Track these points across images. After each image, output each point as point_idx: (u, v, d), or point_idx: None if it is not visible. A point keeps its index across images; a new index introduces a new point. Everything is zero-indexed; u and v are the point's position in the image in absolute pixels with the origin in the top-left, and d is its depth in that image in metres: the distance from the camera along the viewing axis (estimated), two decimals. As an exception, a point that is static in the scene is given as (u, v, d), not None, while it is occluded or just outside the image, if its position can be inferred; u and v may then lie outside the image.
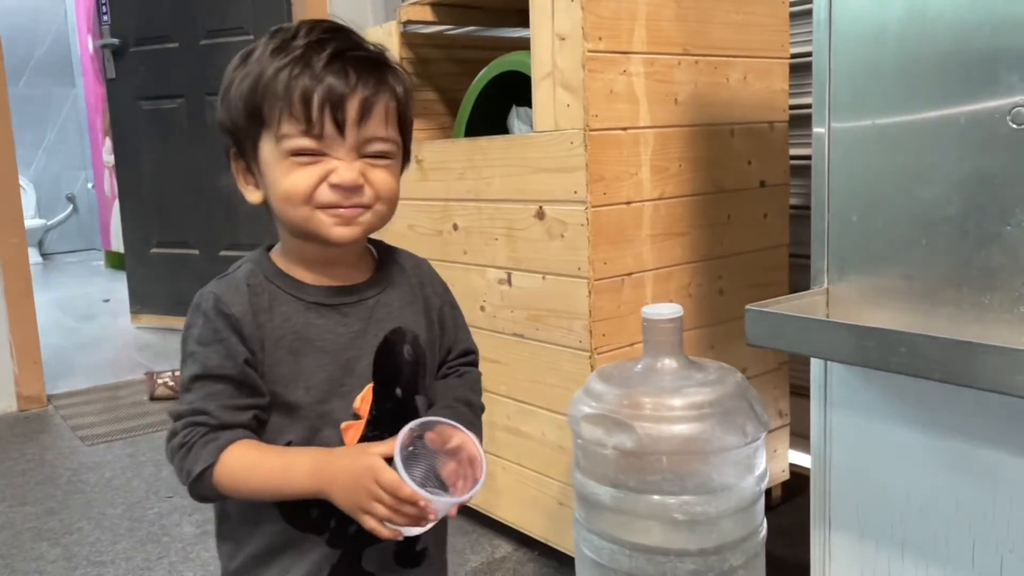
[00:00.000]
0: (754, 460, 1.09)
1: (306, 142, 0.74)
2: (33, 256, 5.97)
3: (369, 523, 0.72)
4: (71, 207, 6.21)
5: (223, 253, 3.30)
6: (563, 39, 1.26)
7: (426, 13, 1.65)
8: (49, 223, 6.10)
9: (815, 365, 1.05)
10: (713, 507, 1.05)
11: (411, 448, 0.76)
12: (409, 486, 0.70)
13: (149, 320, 3.59)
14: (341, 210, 0.76)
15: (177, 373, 2.13)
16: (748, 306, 0.95)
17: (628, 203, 1.31)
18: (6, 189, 2.51)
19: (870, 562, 0.99)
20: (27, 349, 2.54)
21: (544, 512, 1.44)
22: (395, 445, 0.71)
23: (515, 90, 1.59)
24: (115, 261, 5.23)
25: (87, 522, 1.75)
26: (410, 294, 0.86)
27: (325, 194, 0.75)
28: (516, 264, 1.41)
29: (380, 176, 0.77)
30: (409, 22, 1.66)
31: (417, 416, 0.84)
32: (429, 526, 0.74)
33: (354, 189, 0.75)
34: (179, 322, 0.83)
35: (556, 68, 1.28)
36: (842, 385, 1.02)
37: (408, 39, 1.71)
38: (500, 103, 1.62)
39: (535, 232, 1.36)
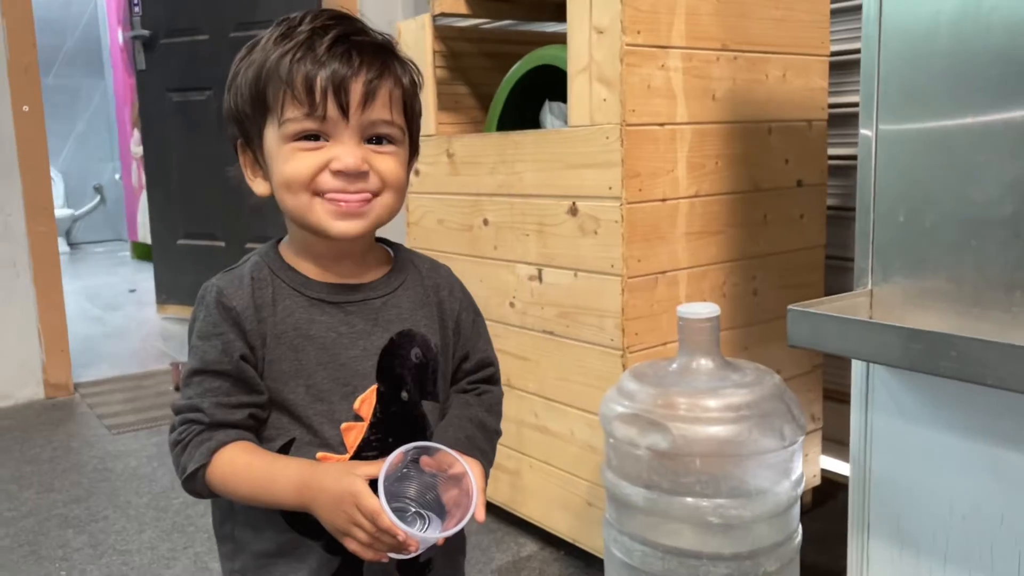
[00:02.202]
0: (791, 464, 1.07)
1: (309, 124, 0.73)
2: (60, 245, 6.02)
3: (351, 545, 0.71)
4: (98, 198, 6.27)
5: (249, 245, 3.31)
6: (601, 32, 1.24)
7: (460, 6, 1.64)
8: (77, 213, 6.16)
9: (856, 368, 1.02)
10: (748, 511, 1.02)
11: (404, 470, 0.73)
12: (389, 517, 0.67)
13: (174, 310, 3.61)
14: (341, 202, 0.74)
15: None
16: (790, 306, 0.93)
17: (663, 200, 1.29)
18: (38, 179, 2.53)
19: (910, 572, 0.96)
20: (55, 337, 2.56)
21: (571, 511, 1.42)
22: (381, 470, 0.69)
23: (548, 85, 1.58)
24: (141, 252, 5.27)
25: (113, 510, 1.76)
26: (423, 296, 0.84)
27: (327, 181, 0.74)
28: (547, 260, 1.39)
29: (385, 162, 0.75)
30: (443, 15, 1.64)
31: (424, 422, 0.82)
32: (417, 552, 0.71)
33: (357, 175, 0.74)
34: (204, 313, 0.82)
35: (593, 62, 1.26)
36: (884, 389, 1.00)
37: (441, 32, 1.69)
38: (532, 98, 1.60)
39: (567, 228, 1.35)
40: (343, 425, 0.78)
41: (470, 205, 1.55)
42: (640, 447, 1.06)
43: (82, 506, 1.78)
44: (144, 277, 4.36)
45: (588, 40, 1.26)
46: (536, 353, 1.44)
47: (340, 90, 0.72)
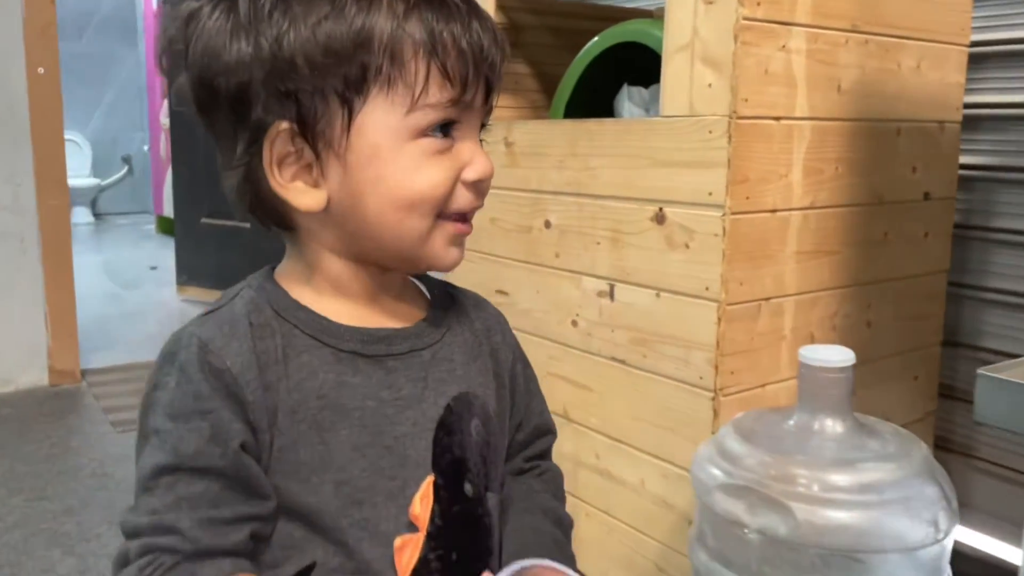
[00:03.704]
0: (941, 562, 0.84)
1: (452, 114, 0.52)
2: (86, 216, 5.90)
3: None
4: (126, 168, 6.13)
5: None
6: (710, 2, 1.01)
7: (527, -29, 1.42)
8: (103, 183, 6.02)
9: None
10: (888, 622, 0.80)
11: None
12: None
13: (194, 293, 3.43)
14: (464, 226, 0.56)
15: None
16: (981, 370, 0.70)
17: (774, 211, 1.05)
18: (51, 147, 2.34)
19: None
20: (63, 320, 2.38)
21: (636, 574, 1.20)
22: None
23: (623, 68, 1.35)
24: (166, 226, 5.11)
25: (107, 527, 1.56)
26: (475, 345, 0.63)
27: (461, 197, 0.54)
28: (622, 275, 1.17)
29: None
30: (506, -20, 1.42)
31: (489, 525, 0.59)
32: None
33: (486, 185, 0.55)
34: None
35: (697, 38, 1.03)
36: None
37: (502, 2, 1.46)
38: (604, 82, 1.37)
39: (650, 238, 1.12)
40: (398, 541, 0.54)
41: (530, 203, 1.33)
42: (749, 529, 0.83)
43: (74, 520, 1.59)
44: (167, 254, 4.19)
45: (693, 11, 1.03)
46: (601, 383, 1.22)
47: (491, 67, 0.53)
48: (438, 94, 0.51)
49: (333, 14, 0.50)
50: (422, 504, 0.55)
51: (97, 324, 2.94)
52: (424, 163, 0.53)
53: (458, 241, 0.57)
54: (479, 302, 0.66)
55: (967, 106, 1.36)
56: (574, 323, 1.26)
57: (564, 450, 1.29)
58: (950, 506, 0.83)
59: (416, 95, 0.51)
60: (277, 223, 0.57)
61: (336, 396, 0.54)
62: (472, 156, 0.54)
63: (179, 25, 0.53)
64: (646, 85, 1.34)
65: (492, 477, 0.60)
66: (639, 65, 1.30)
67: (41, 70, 2.27)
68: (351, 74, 0.50)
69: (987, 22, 1.38)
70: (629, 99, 1.34)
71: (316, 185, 0.54)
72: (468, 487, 0.58)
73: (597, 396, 1.23)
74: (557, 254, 1.28)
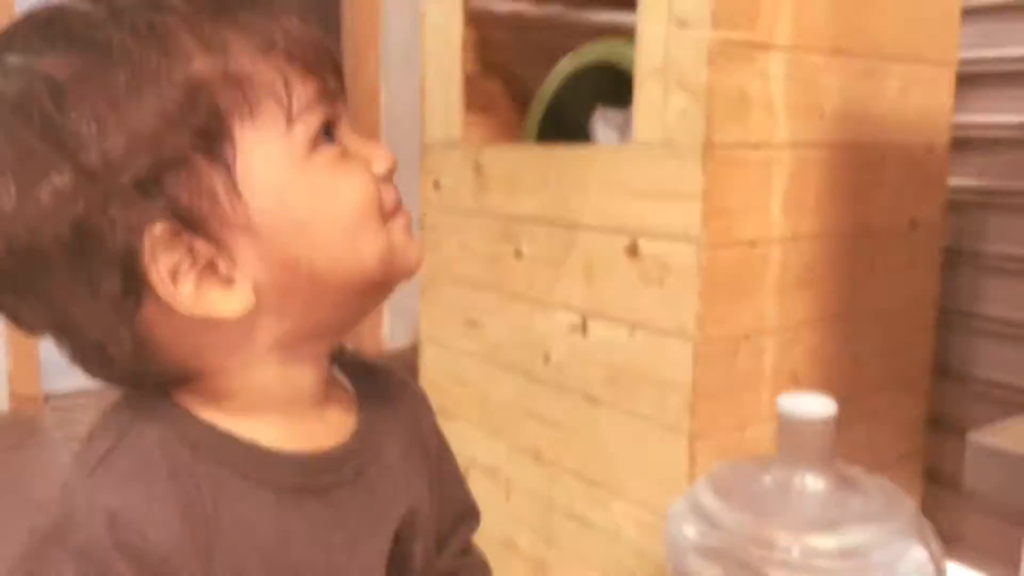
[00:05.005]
0: (932, 630, 0.78)
1: (328, 111, 0.44)
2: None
3: None
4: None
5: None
6: (683, 24, 0.95)
7: (498, -14, 1.36)
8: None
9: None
10: None
11: None
12: None
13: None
14: (407, 211, 0.48)
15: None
16: (971, 435, 0.64)
17: (752, 244, 1.00)
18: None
19: None
20: (24, 341, 2.29)
21: (610, 625, 1.14)
22: None
23: (601, 87, 1.29)
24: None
25: None
26: (408, 441, 0.53)
27: (388, 193, 0.46)
28: (596, 310, 1.11)
29: None
30: (477, -4, 1.36)
31: None
32: None
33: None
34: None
35: (671, 61, 0.97)
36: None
37: (474, 17, 1.40)
38: (580, 103, 1.31)
39: (624, 272, 1.06)
40: None
41: (500, 231, 1.26)
42: (725, 596, 0.77)
43: (23, 562, 1.51)
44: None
45: (665, 32, 0.97)
46: (573, 421, 1.16)
47: (326, 49, 0.44)
48: (304, 91, 0.42)
49: (143, 80, 0.39)
50: None
51: (66, 344, 2.86)
52: (337, 173, 0.44)
53: (409, 231, 0.48)
54: (402, 380, 0.56)
55: (956, 127, 1.31)
56: (546, 359, 1.19)
57: (538, 492, 1.23)
58: (939, 569, 0.77)
59: (287, 102, 0.42)
60: (184, 373, 0.44)
61: (283, 556, 0.43)
62: (368, 150, 0.46)
63: None
64: (625, 105, 1.28)
65: None
66: (618, 84, 1.24)
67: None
68: (206, 124, 0.40)
69: (975, 39, 1.33)
70: (604, 122, 1.28)
71: (231, 281, 0.42)
72: None
73: (569, 434, 1.17)
74: (529, 284, 1.22)
